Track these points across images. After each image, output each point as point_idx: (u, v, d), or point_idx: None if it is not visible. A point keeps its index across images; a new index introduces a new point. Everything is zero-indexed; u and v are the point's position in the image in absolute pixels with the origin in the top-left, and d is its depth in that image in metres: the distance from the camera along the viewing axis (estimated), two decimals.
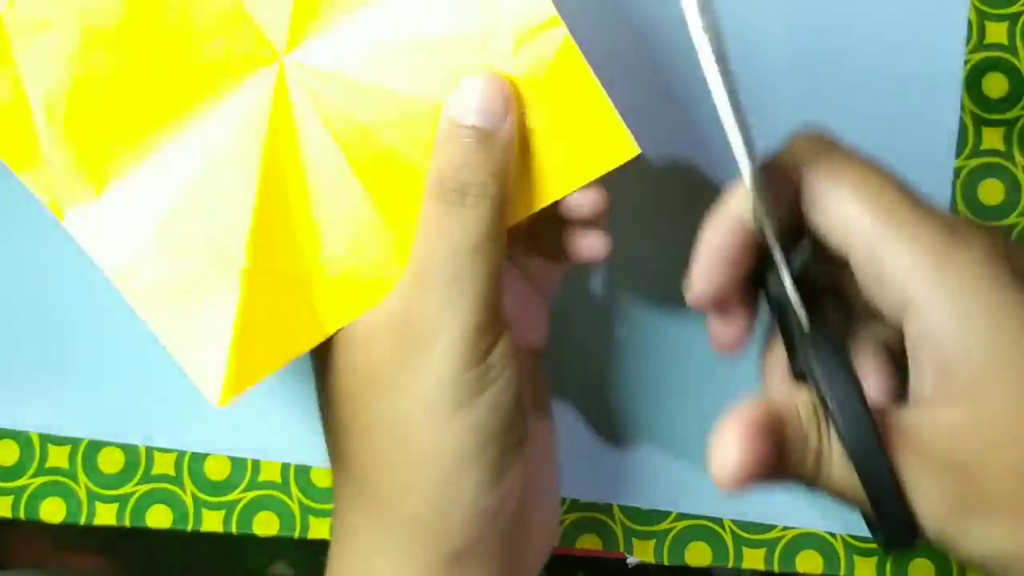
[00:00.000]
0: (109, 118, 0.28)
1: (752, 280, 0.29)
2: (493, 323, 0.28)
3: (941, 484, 0.24)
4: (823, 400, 0.25)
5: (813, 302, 0.28)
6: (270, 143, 0.28)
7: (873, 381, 0.29)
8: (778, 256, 0.27)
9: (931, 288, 0.25)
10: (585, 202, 0.29)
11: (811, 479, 0.25)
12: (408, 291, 0.28)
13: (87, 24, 0.28)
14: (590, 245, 0.30)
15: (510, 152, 0.27)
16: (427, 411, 0.27)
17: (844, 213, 0.26)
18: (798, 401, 0.26)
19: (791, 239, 0.28)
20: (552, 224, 0.31)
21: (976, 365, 0.24)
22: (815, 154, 0.27)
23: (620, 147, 0.28)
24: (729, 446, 0.24)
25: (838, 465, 0.25)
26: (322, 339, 0.29)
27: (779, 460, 0.24)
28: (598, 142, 0.28)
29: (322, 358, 0.29)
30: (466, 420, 0.27)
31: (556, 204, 0.29)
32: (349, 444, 0.29)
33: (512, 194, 0.28)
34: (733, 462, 0.24)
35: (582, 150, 0.28)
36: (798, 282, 0.28)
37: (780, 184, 0.27)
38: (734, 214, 0.28)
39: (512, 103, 0.27)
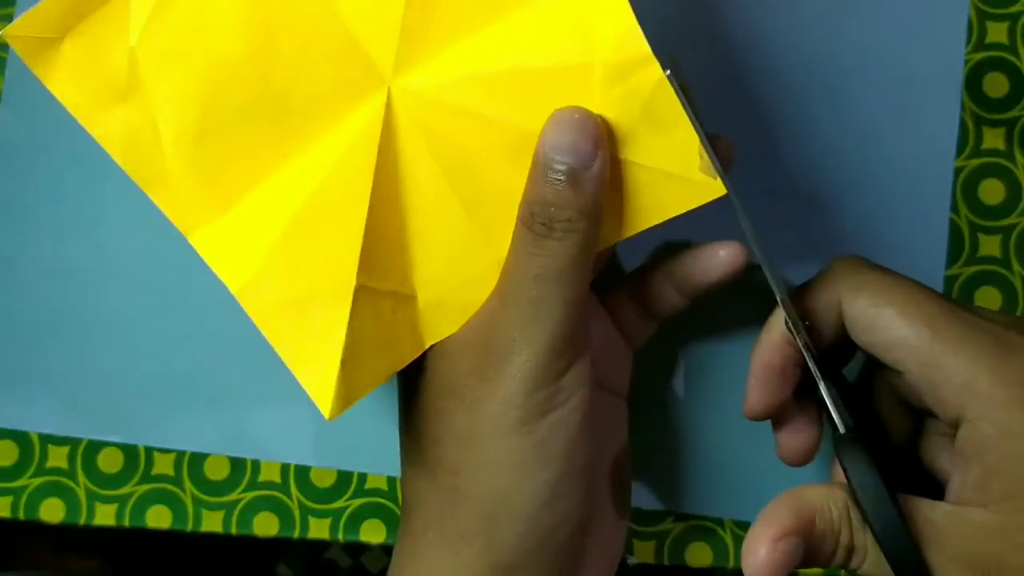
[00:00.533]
0: (230, 143, 0.30)
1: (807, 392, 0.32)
2: (569, 347, 0.28)
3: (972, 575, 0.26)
4: (856, 500, 0.27)
5: (864, 403, 0.31)
6: (379, 166, 0.29)
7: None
8: (812, 364, 0.29)
9: (982, 402, 0.26)
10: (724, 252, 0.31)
11: (843, 567, 0.28)
12: (493, 308, 0.29)
13: (212, 55, 0.29)
14: (727, 253, 0.31)
15: (600, 190, 0.28)
16: (493, 424, 0.28)
17: (894, 334, 0.28)
18: (832, 499, 0.28)
19: (839, 351, 0.31)
20: (653, 279, 0.33)
21: (1015, 476, 0.26)
22: (855, 279, 0.29)
23: (707, 186, 0.29)
24: (759, 548, 0.27)
25: (873, 559, 0.27)
26: (419, 354, 0.30)
27: (808, 553, 0.27)
28: (687, 180, 0.29)
29: (407, 369, 0.30)
30: (529, 437, 0.28)
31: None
32: (421, 452, 0.30)
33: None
34: (762, 563, 0.27)
35: (671, 186, 0.29)
36: (851, 386, 0.30)
37: (824, 305, 0.30)
38: (777, 333, 0.30)
39: (603, 141, 0.28)
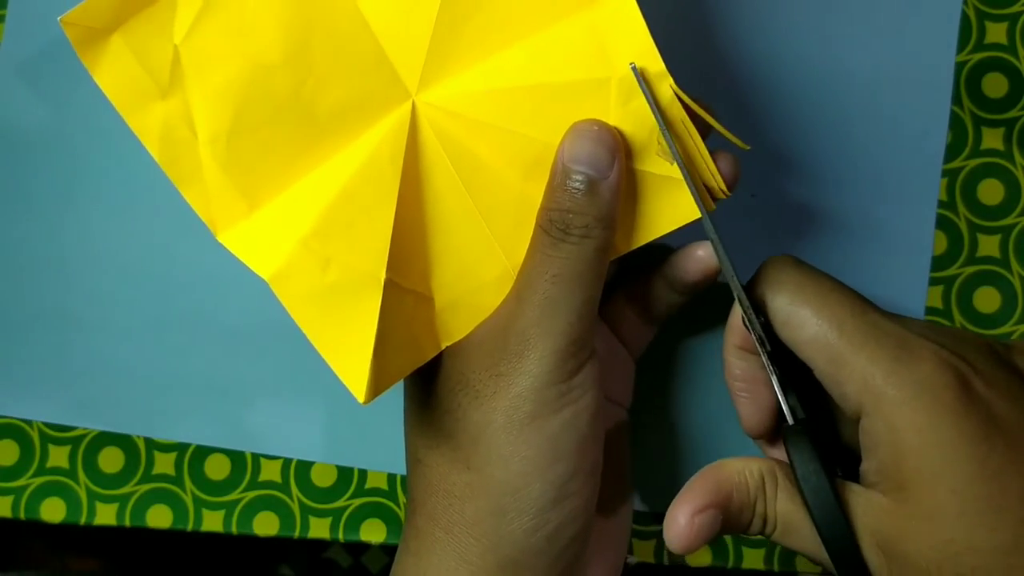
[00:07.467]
0: (261, 145, 0.31)
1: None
2: (581, 348, 0.29)
3: (876, 553, 0.28)
4: (798, 482, 0.29)
5: (819, 398, 0.32)
6: (404, 173, 0.30)
7: None
8: (764, 357, 0.31)
9: (876, 400, 0.28)
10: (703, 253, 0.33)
11: (761, 534, 0.30)
12: (509, 307, 0.30)
13: (251, 59, 0.30)
14: (704, 252, 0.32)
15: (615, 198, 0.30)
16: (507, 417, 0.29)
17: (807, 332, 0.29)
18: (748, 471, 0.30)
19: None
20: (650, 281, 0.34)
21: (905, 470, 0.28)
22: (778, 276, 0.31)
23: (688, 209, 0.30)
24: (679, 520, 0.29)
25: (805, 535, 0.29)
26: (435, 353, 0.31)
27: (725, 524, 0.29)
28: (675, 201, 0.30)
29: (417, 367, 0.31)
30: (539, 433, 0.29)
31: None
32: (432, 448, 0.31)
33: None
34: (681, 532, 0.29)
35: (681, 195, 0.30)
36: (809, 382, 0.31)
37: (758, 304, 0.31)
38: (733, 339, 0.32)
39: (619, 153, 0.29)
